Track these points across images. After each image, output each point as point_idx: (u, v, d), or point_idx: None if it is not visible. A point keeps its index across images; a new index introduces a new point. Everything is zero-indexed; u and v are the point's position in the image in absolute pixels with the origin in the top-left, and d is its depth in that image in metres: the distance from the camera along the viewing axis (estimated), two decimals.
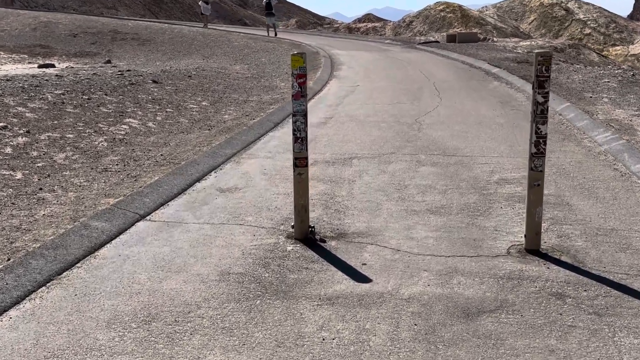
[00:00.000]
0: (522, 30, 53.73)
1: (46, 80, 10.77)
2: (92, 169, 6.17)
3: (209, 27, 35.05)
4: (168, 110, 9.79)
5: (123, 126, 8.18)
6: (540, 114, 4.04)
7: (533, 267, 3.90)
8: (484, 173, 6.24)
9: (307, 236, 4.37)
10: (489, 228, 4.64)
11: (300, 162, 4.32)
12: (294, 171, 4.36)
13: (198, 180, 5.95)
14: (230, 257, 4.04)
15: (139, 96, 10.41)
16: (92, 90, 10.10)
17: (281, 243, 4.32)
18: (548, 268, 3.89)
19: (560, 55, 26.26)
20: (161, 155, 6.79)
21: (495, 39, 30.38)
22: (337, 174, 6.23)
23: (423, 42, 27.56)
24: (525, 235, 4.21)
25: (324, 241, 4.34)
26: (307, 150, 4.35)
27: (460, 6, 50.14)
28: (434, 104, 10.94)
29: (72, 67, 20.30)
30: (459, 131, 8.47)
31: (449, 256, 4.09)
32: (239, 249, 4.20)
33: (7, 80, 10.39)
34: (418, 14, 50.05)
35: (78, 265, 3.90)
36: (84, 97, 9.47)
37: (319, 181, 5.97)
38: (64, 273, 3.77)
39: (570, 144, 7.48)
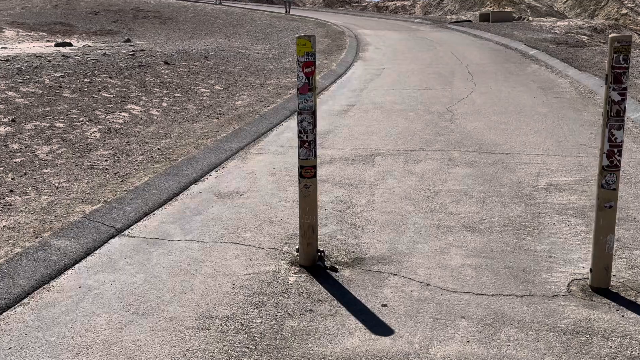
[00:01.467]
0: (556, 9, 51.86)
1: (49, 61, 10.04)
2: (77, 165, 5.40)
3: (223, 3, 34.45)
4: (176, 95, 8.98)
5: (122, 114, 7.39)
6: (615, 115, 3.12)
7: (604, 315, 3.01)
8: (529, 176, 5.33)
9: (314, 263, 3.53)
10: (541, 253, 3.74)
11: (307, 172, 3.47)
12: (299, 183, 3.51)
13: (195, 181, 5.13)
14: (216, 292, 3.22)
15: (147, 79, 9.62)
16: (95, 72, 9.33)
17: (282, 271, 3.49)
18: (623, 316, 3.00)
19: (600, 37, 24.85)
20: (158, 149, 5.99)
21: (530, 19, 28.97)
22: (357, 176, 5.37)
23: (454, 22, 26.34)
24: (591, 270, 3.32)
25: (336, 270, 3.50)
26: (315, 156, 3.50)
27: None
28: (468, 90, 9.97)
29: (90, 46, 19.66)
30: (496, 122, 7.52)
31: (493, 295, 3.22)
32: (229, 279, 3.38)
33: (6, 60, 9.67)
34: None
35: (25, 301, 3.12)
36: (86, 80, 8.71)
37: (335, 185, 5.12)
38: (3, 314, 2.99)
39: (627, 140, 6.50)
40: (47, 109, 7.10)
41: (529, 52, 15.14)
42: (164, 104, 8.27)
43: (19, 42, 21.94)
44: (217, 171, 5.47)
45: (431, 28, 24.82)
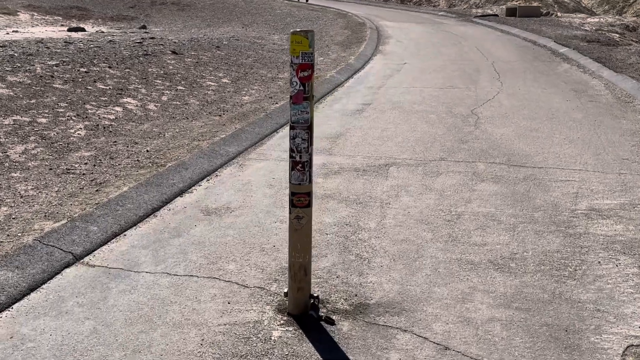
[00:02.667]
0: (584, 5, 50.51)
1: (47, 47, 9.45)
2: (51, 169, 4.78)
3: None
4: (179, 88, 8.34)
5: (116, 108, 6.77)
6: None
7: None
8: (566, 197, 4.61)
9: (306, 311, 2.87)
10: (586, 305, 3.05)
11: (300, 201, 2.80)
12: (289, 213, 2.84)
13: (181, 193, 4.48)
14: (178, 352, 2.57)
15: (149, 70, 8.99)
16: (95, 61, 8.72)
17: (265, 322, 2.82)
18: None
19: (632, 35, 23.81)
20: (147, 151, 5.35)
21: (559, 14, 27.96)
22: (368, 191, 4.68)
23: (480, 16, 25.43)
24: None
25: (332, 322, 2.83)
26: (310, 181, 2.83)
27: None
28: (494, 90, 9.21)
29: (103, 32, 19.11)
30: (526, 129, 6.79)
31: None
32: (198, 331, 2.73)
33: (1, 46, 9.09)
34: None
35: None
36: (82, 69, 8.09)
37: (341, 202, 4.44)
38: None
39: None
40: (33, 101, 6.49)
41: (559, 50, 14.29)
42: (164, 98, 7.63)
43: (32, 26, 21.47)
44: (208, 180, 4.81)
45: (456, 21, 23.94)
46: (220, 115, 7.03)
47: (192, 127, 6.38)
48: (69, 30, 19.71)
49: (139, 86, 7.92)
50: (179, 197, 4.40)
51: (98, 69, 8.28)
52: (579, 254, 3.63)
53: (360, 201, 4.46)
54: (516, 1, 41.79)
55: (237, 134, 6.00)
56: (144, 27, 22.37)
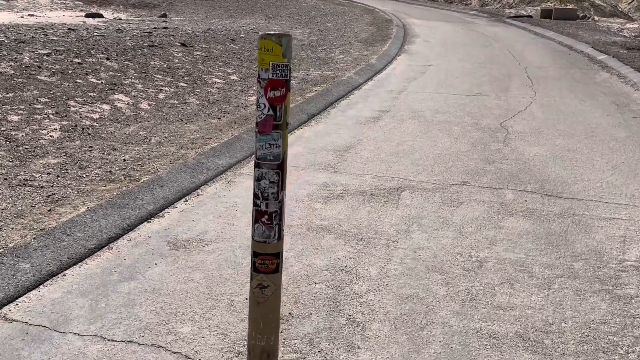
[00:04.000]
0: (620, 9, 49.00)
1: (45, 34, 8.82)
2: (6, 179, 4.10)
3: None
4: (180, 84, 7.65)
5: (103, 106, 6.09)
6: None
7: None
8: (612, 242, 3.82)
9: None
10: None
11: (265, 265, 2.06)
12: (250, 280, 2.10)
13: (149, 217, 3.77)
14: None
15: (151, 63, 8.31)
16: (93, 51, 8.06)
17: None
18: None
19: None
20: (124, 160, 4.65)
21: (596, 18, 26.78)
22: (373, 223, 3.93)
23: (513, 16, 24.41)
24: None
25: None
26: (280, 237, 2.08)
27: None
28: (526, 100, 8.38)
29: (120, 19, 18.55)
30: (562, 148, 5.97)
31: None
32: None
33: None
34: None
35: None
36: (75, 60, 7.43)
37: (339, 237, 3.70)
38: None
39: None
40: (10, 95, 5.84)
41: (597, 57, 13.34)
42: (161, 96, 6.94)
43: (51, 10, 20.99)
44: (186, 201, 4.09)
45: (487, 21, 22.97)
46: (219, 118, 6.32)
47: (184, 131, 5.68)
48: (87, 15, 19.18)
49: (136, 81, 7.24)
50: (145, 223, 3.69)
51: (94, 60, 7.62)
52: (630, 328, 2.85)
53: (363, 237, 3.71)
54: (551, 3, 40.55)
55: (232, 142, 5.27)
56: (164, 15, 21.78)
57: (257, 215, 2.04)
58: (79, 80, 6.63)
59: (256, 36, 13.99)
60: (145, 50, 8.95)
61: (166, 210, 3.89)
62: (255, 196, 2.04)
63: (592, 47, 14.56)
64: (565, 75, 10.78)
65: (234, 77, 8.74)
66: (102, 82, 6.81)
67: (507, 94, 8.84)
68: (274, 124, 1.96)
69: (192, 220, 3.79)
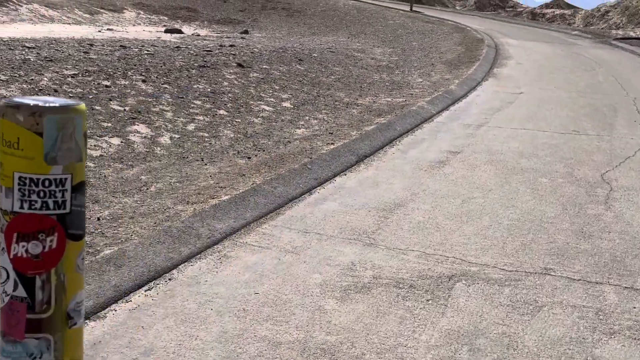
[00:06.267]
0: None
1: (85, 52, 8.12)
2: None
3: None
4: (220, 112, 6.68)
5: (112, 140, 5.17)
6: None
7: None
8: None
9: None
10: None
11: None
12: None
13: (87, 317, 2.71)
14: None
15: (195, 86, 7.41)
16: (130, 72, 7.25)
17: None
18: None
19: None
20: (97, 219, 3.65)
21: None
22: (402, 344, 2.70)
23: (620, 38, 22.23)
24: None
25: None
26: None
27: None
28: (636, 142, 6.85)
29: (199, 35, 18.13)
30: None
31: None
32: None
33: (30, 47, 7.84)
34: (616, 4, 43.10)
35: None
36: (104, 83, 6.62)
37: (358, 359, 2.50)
38: None
39: None
40: None
41: None
42: (190, 127, 5.98)
43: (133, 25, 20.92)
44: (148, 291, 3.00)
45: (591, 43, 20.96)
46: (249, 158, 5.26)
47: (198, 175, 4.65)
48: (166, 31, 18.87)
49: (167, 108, 6.33)
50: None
51: (127, 82, 6.78)
52: None
53: None
54: None
55: (247, 195, 4.18)
56: (245, 31, 21.25)
57: None
58: (97, 107, 5.77)
59: (329, 56, 12.97)
60: (193, 71, 8.08)
61: (111, 307, 2.82)
62: None
63: None
64: None
65: (286, 104, 7.70)
66: (125, 110, 5.93)
67: (611, 132, 7.31)
68: (32, 318, 0.82)
69: (142, 327, 2.69)
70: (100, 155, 4.80)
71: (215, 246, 3.50)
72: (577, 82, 11.54)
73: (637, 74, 13.15)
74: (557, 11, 49.58)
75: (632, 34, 25.18)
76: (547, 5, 51.42)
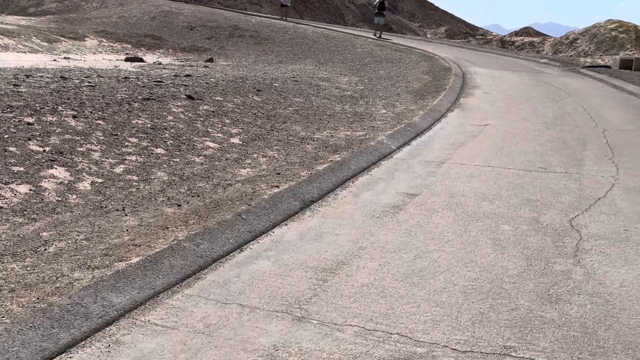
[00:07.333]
0: None
1: (15, 85, 7.48)
2: None
3: (287, 19, 32.55)
4: (157, 151, 6.09)
5: (19, 188, 4.54)
6: None
7: None
8: None
9: None
10: None
11: None
12: None
13: None
14: None
15: (133, 122, 6.81)
16: (61, 107, 6.62)
17: None
18: None
19: None
20: None
21: None
22: None
23: (589, 66, 22.15)
24: None
25: None
26: None
27: (635, 26, 43.10)
28: (607, 180, 6.40)
29: (160, 63, 17.56)
30: None
31: None
32: None
33: None
34: (584, 32, 43.65)
35: None
36: (27, 120, 5.99)
37: None
38: None
39: None
40: None
41: None
42: (119, 169, 5.38)
43: (94, 54, 20.26)
44: None
45: (559, 71, 20.83)
46: (179, 205, 4.67)
47: (112, 230, 4.04)
48: (126, 60, 18.24)
49: (96, 147, 5.72)
50: None
51: (55, 119, 6.17)
52: None
53: None
54: (630, 51, 37.83)
55: (160, 257, 3.57)
56: (210, 59, 20.73)
57: None
58: (11, 148, 5.14)
59: (291, 85, 12.47)
60: (135, 104, 7.48)
61: None
62: None
63: None
64: None
65: (235, 139, 7.14)
66: (44, 150, 5.31)
67: (580, 169, 6.87)
68: None
69: None
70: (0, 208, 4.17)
71: (107, 328, 2.89)
72: (545, 112, 11.18)
73: (606, 103, 12.86)
74: (526, 39, 50.05)
75: (600, 61, 25.20)
76: (516, 33, 51.93)
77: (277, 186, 5.33)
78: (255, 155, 6.59)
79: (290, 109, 9.66)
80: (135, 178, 5.25)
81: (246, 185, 5.37)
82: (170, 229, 4.12)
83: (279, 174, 5.83)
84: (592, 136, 9.00)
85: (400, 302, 3.39)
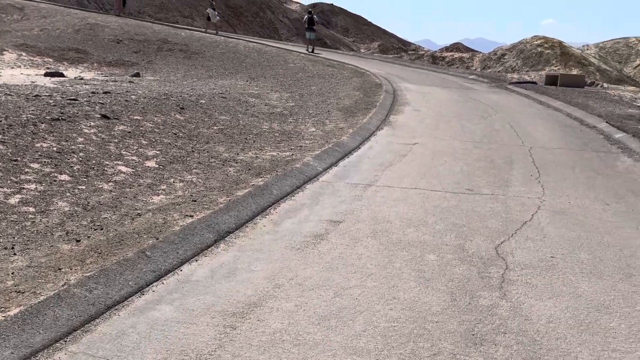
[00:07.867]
0: (626, 73, 47.85)
1: None
2: None
3: (220, 34, 32.33)
4: (60, 178, 5.61)
5: None
6: None
7: None
8: None
9: None
10: None
11: None
12: None
13: None
14: None
15: (37, 145, 6.30)
16: None
17: None
18: None
19: None
20: None
21: (605, 85, 25.02)
22: None
23: (516, 82, 22.66)
24: None
25: None
26: None
27: (560, 42, 44.78)
28: (533, 202, 6.32)
29: (81, 79, 16.81)
30: (588, 304, 3.86)
31: None
32: None
33: None
34: (512, 47, 45.00)
35: None
36: None
37: None
38: None
39: None
40: None
41: (614, 135, 11.34)
42: (14, 199, 4.88)
43: (12, 68, 19.27)
44: None
45: (488, 87, 21.18)
46: (77, 241, 4.24)
47: None
48: (46, 75, 17.38)
49: None
50: None
51: None
52: None
53: None
54: (555, 67, 39.18)
55: (44, 306, 3.15)
56: (137, 74, 20.05)
57: None
58: None
59: (218, 102, 12.07)
60: (42, 125, 6.96)
61: None
62: None
63: (607, 122, 12.59)
64: (579, 161, 8.74)
65: (151, 162, 6.71)
66: None
67: (506, 190, 6.78)
68: None
69: None
70: None
71: None
72: (473, 130, 11.19)
73: (532, 120, 13.03)
74: (456, 54, 51.22)
75: (526, 77, 25.83)
76: (446, 49, 53.06)
77: (191, 215, 4.96)
78: (172, 179, 6.20)
79: (215, 127, 9.29)
80: (31, 210, 4.77)
81: (157, 215, 4.97)
82: (63, 270, 3.70)
83: (195, 201, 5.45)
84: (518, 155, 9.00)
85: (315, 351, 3.08)
